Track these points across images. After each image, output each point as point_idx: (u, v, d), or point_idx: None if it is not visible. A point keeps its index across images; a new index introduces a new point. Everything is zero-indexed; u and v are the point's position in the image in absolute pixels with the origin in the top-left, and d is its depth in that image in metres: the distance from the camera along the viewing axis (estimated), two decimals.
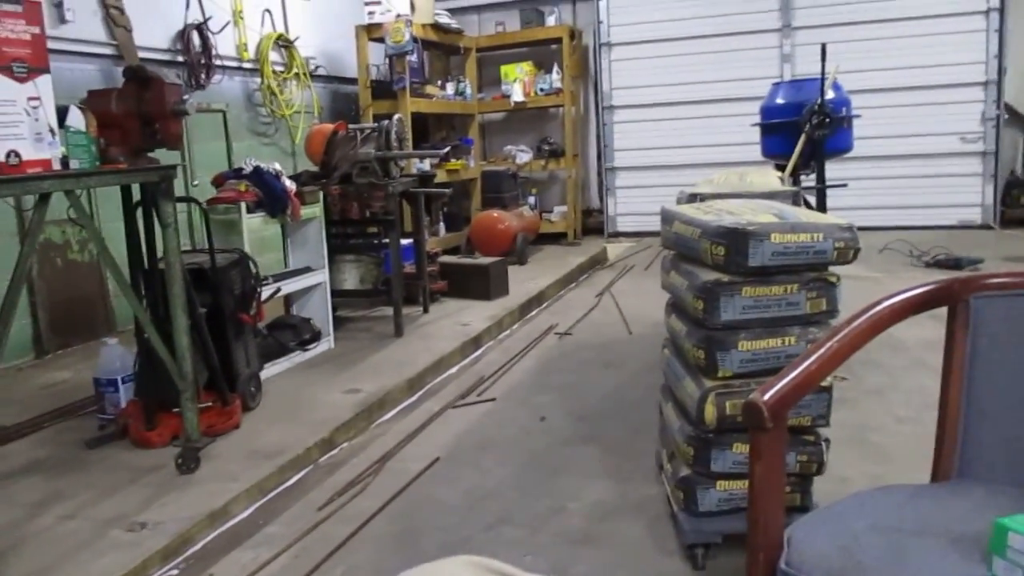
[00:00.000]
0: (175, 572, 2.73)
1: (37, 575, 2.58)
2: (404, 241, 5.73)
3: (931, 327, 4.23)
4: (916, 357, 4.41)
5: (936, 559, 1.45)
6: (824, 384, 2.40)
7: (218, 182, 4.67)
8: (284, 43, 7.55)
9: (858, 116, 5.39)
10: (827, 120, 5.10)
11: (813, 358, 1.65)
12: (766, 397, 1.53)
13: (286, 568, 2.71)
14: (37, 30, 2.73)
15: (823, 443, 2.51)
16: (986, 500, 1.63)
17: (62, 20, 5.37)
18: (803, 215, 2.57)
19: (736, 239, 2.34)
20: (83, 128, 3.02)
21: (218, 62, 6.68)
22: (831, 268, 2.49)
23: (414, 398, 4.43)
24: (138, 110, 3.26)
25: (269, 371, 4.47)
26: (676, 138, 9.36)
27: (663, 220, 2.86)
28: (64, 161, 2.89)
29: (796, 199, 3.43)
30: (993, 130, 8.54)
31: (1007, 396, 1.79)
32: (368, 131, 5.59)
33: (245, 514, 3.12)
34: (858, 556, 1.47)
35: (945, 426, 1.83)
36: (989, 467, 1.76)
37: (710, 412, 2.43)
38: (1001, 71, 8.41)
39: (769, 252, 2.34)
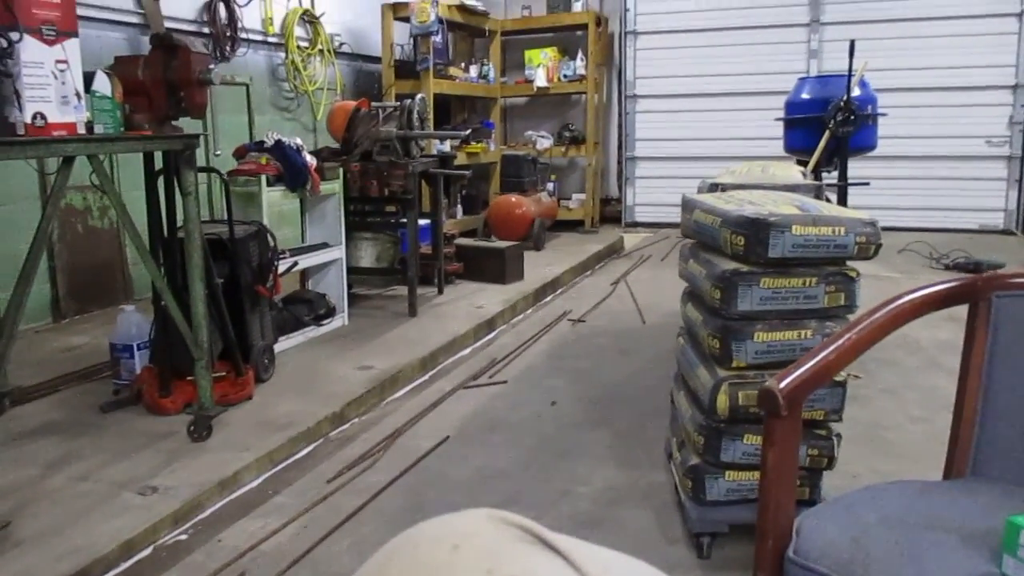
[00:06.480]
0: (184, 537, 2.76)
1: (50, 533, 2.61)
2: (422, 221, 5.73)
3: (947, 329, 4.19)
4: (931, 358, 4.38)
5: (946, 554, 1.45)
6: (839, 379, 2.39)
7: (239, 154, 4.69)
8: (310, 18, 7.54)
9: (884, 115, 5.34)
10: (852, 117, 5.05)
11: (831, 348, 1.64)
12: (782, 384, 1.53)
13: (294, 537, 2.73)
14: None
15: (835, 438, 2.50)
16: (999, 498, 1.62)
17: None
18: (825, 208, 2.55)
19: (757, 229, 2.33)
20: (109, 93, 3.03)
21: (243, 35, 6.68)
22: (850, 263, 2.47)
23: (426, 377, 4.44)
24: (164, 77, 3.26)
25: (283, 344, 4.49)
26: (698, 130, 9.29)
27: (683, 208, 2.85)
28: (89, 126, 2.90)
29: (819, 193, 3.41)
30: (1020, 134, 8.44)
31: None
32: (390, 110, 5.59)
33: (255, 483, 3.14)
34: (868, 548, 1.47)
35: (960, 423, 1.82)
36: (1003, 466, 1.75)
37: (723, 402, 2.43)
38: None
39: (789, 244, 2.34)
